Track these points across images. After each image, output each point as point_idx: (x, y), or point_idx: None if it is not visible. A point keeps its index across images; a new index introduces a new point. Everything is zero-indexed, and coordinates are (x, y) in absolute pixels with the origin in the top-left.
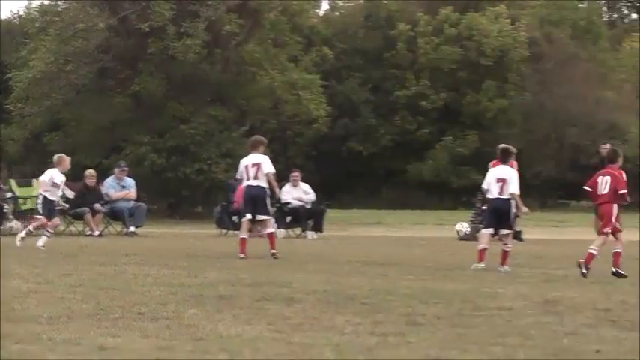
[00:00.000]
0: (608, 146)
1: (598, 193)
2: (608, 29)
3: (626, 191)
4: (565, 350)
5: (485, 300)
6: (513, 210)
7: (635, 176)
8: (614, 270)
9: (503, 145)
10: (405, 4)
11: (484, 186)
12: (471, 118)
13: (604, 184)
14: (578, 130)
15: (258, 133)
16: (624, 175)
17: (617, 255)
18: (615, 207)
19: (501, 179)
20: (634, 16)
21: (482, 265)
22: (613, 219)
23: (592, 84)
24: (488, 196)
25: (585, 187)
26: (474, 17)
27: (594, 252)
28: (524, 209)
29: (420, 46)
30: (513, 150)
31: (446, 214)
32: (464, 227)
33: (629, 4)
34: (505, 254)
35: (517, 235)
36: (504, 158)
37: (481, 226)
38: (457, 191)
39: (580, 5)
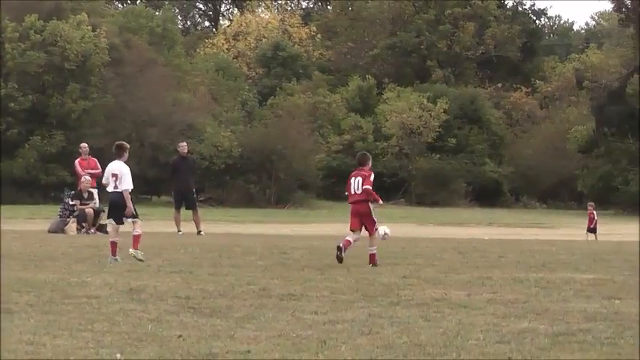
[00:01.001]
0: (185, 144)
1: (352, 192)
2: (183, 36)
3: (370, 187)
4: (150, 335)
5: (74, 289)
6: (129, 201)
7: (215, 172)
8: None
9: (118, 142)
10: None
11: (104, 181)
12: (57, 119)
13: (356, 184)
14: (158, 130)
15: None
16: (372, 175)
17: (373, 256)
18: (371, 205)
19: (115, 174)
20: (207, 23)
21: (117, 258)
22: (374, 217)
23: (169, 87)
24: (107, 189)
25: (347, 193)
26: (57, 24)
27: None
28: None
29: (7, 52)
30: (127, 145)
31: (36, 208)
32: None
33: (202, 12)
34: (137, 239)
35: (103, 229)
36: (119, 153)
37: (69, 219)
38: (46, 187)
39: (156, 13)
